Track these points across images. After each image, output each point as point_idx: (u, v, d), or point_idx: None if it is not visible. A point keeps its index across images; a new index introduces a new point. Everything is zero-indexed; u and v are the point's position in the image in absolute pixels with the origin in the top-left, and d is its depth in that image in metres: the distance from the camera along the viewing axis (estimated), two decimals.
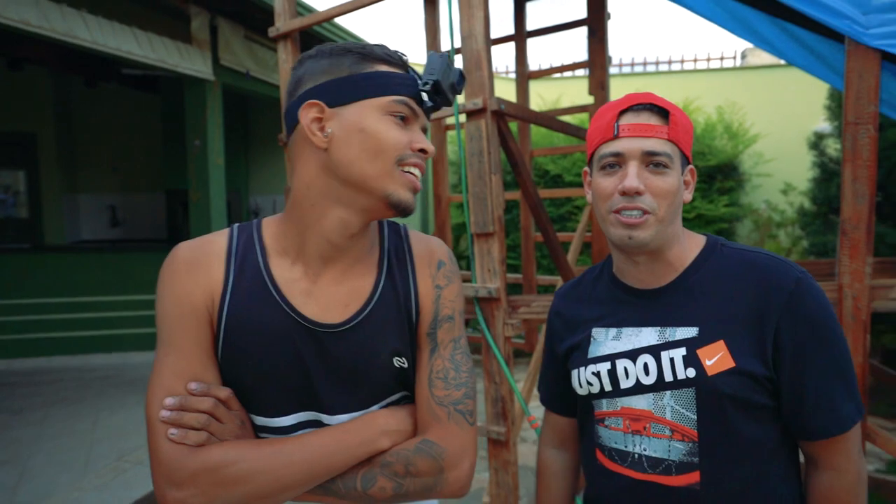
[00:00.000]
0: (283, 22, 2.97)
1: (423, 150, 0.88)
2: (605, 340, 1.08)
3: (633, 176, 0.95)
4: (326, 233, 0.88)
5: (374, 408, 0.93)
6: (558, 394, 1.24)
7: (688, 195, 1.05)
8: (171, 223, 7.54)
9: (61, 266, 6.03)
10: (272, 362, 0.87)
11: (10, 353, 5.86)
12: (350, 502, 0.85)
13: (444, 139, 4.28)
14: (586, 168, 1.14)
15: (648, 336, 1.02)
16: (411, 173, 0.88)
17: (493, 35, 4.21)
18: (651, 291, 1.06)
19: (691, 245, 1.07)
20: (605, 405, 1.06)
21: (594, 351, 1.08)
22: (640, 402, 1.01)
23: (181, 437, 0.79)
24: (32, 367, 5.71)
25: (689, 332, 0.98)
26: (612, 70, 4.13)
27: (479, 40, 2.35)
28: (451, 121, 3.85)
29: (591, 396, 1.09)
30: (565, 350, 1.16)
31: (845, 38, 1.94)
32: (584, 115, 4.12)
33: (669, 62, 9.31)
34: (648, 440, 1.00)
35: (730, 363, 0.93)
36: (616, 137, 0.98)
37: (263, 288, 0.88)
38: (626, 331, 1.06)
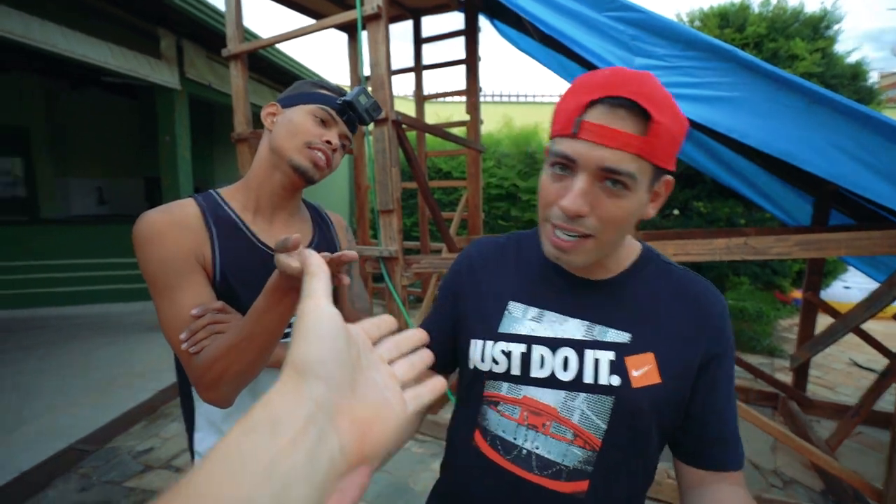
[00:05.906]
0: (234, 45, 2.82)
1: (328, 142, 0.90)
2: (524, 319, 0.71)
3: (577, 195, 0.59)
4: (274, 187, 0.92)
5: None
6: (437, 349, 0.66)
7: (652, 210, 0.66)
8: (149, 203, 6.94)
9: (55, 234, 5.39)
10: (259, 283, 0.83)
11: (13, 304, 5.24)
12: None
13: (363, 141, 4.19)
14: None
15: (574, 328, 0.68)
16: (316, 152, 0.90)
17: (399, 66, 4.18)
18: (585, 281, 0.71)
19: (628, 251, 0.73)
20: (504, 389, 0.70)
21: (508, 326, 0.71)
22: (547, 397, 0.67)
23: (197, 349, 0.77)
24: (32, 315, 5.12)
25: (621, 336, 0.66)
26: (483, 98, 4.17)
27: (383, 68, 2.30)
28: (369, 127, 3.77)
29: (490, 375, 0.71)
30: (466, 311, 0.77)
31: None
32: (464, 128, 4.15)
33: (527, 95, 9.53)
34: (545, 439, 0.66)
35: (656, 378, 0.64)
36: (574, 136, 0.58)
37: (240, 233, 0.90)
38: (549, 315, 0.70)
